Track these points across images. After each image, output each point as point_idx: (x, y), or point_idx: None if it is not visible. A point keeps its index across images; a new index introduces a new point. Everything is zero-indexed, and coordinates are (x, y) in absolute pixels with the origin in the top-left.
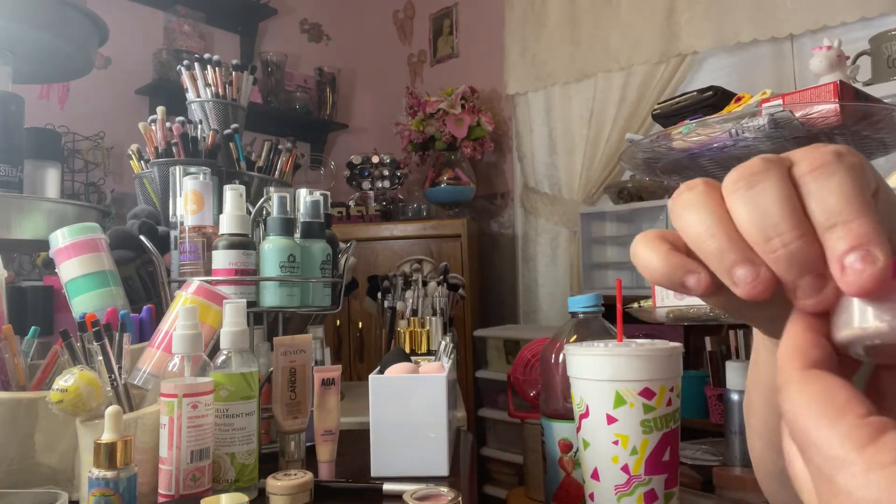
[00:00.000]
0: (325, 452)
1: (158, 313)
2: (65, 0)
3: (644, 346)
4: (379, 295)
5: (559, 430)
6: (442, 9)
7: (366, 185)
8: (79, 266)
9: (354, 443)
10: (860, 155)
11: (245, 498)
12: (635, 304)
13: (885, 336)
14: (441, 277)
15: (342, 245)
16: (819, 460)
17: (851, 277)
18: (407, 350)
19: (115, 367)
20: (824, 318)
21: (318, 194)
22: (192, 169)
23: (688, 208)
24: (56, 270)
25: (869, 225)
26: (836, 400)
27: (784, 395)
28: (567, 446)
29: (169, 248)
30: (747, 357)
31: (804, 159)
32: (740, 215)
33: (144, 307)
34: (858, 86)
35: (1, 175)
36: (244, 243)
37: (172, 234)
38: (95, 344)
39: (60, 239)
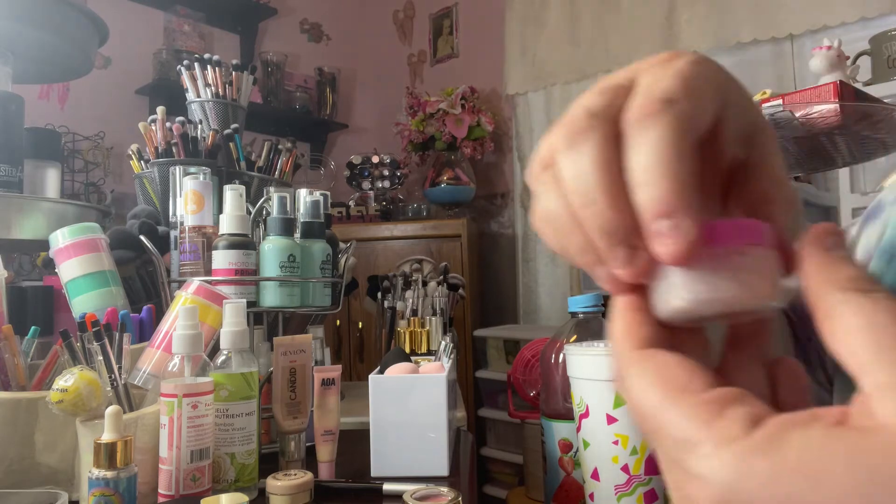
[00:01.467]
0: (325, 452)
1: (158, 313)
2: (65, 0)
3: None
4: (379, 295)
5: (559, 430)
6: (442, 9)
7: (366, 185)
8: (79, 266)
9: (354, 443)
10: (701, 95)
11: (245, 498)
12: None
13: (697, 310)
14: (441, 277)
15: (342, 245)
16: (667, 446)
17: (659, 247)
18: (407, 350)
19: (115, 367)
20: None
21: (318, 194)
22: (192, 169)
23: (540, 191)
24: (56, 270)
25: (673, 186)
26: (675, 377)
27: (622, 382)
28: (567, 446)
29: (169, 248)
30: None
31: (634, 104)
32: (564, 184)
33: (144, 307)
34: (858, 86)
35: (1, 175)
36: (244, 243)
37: (172, 234)
38: (95, 344)
39: (60, 239)
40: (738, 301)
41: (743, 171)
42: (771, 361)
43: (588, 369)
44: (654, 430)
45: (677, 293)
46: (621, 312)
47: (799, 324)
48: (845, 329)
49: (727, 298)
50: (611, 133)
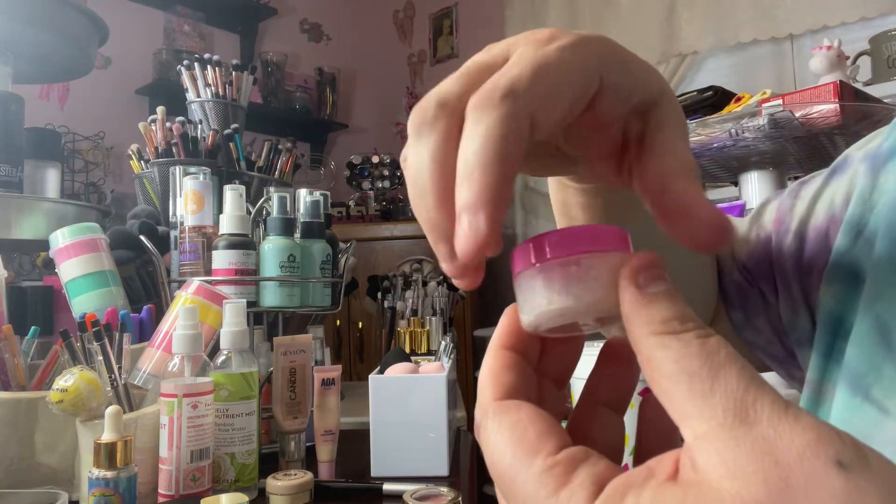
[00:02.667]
0: (325, 452)
1: (158, 313)
2: (65, 0)
3: None
4: (379, 295)
5: None
6: (442, 9)
7: (366, 185)
8: (79, 266)
9: (354, 443)
10: (556, 86)
11: (245, 498)
12: None
13: (543, 323)
14: (441, 277)
15: (342, 245)
16: None
17: (455, 244)
18: (407, 350)
19: (115, 367)
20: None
21: (318, 194)
22: (192, 169)
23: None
24: (56, 270)
25: (482, 185)
26: (527, 437)
27: (482, 432)
28: None
29: (169, 248)
30: None
31: (478, 92)
32: (407, 174)
33: (144, 307)
34: (858, 86)
35: (1, 175)
36: (244, 243)
37: (172, 234)
38: (95, 344)
39: (60, 239)
40: (573, 312)
41: (640, 145)
42: (642, 401)
43: (587, 369)
44: (507, 490)
45: (522, 307)
46: (492, 353)
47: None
48: (662, 376)
49: (562, 309)
50: (455, 126)
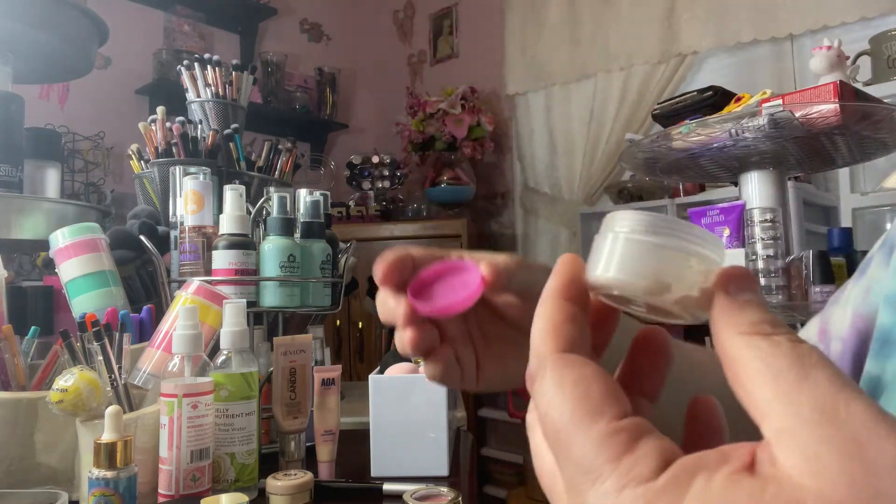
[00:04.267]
0: (325, 452)
1: (158, 313)
2: (65, 0)
3: None
4: None
5: None
6: (442, 9)
7: (366, 185)
8: (79, 266)
9: (354, 443)
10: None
11: (245, 498)
12: None
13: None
14: None
15: (342, 245)
16: (571, 468)
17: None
18: None
19: (115, 367)
20: (579, 280)
21: (318, 194)
22: (192, 169)
23: None
24: (56, 270)
25: None
26: (592, 396)
27: (539, 384)
28: None
29: (169, 248)
30: None
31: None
32: None
33: (144, 307)
34: (858, 86)
35: (1, 175)
36: (244, 243)
37: (172, 234)
38: (95, 344)
39: (60, 239)
40: (657, 290)
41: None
42: (691, 400)
43: None
44: (561, 448)
45: (606, 263)
46: (552, 304)
47: None
48: (746, 374)
49: (650, 286)
50: None
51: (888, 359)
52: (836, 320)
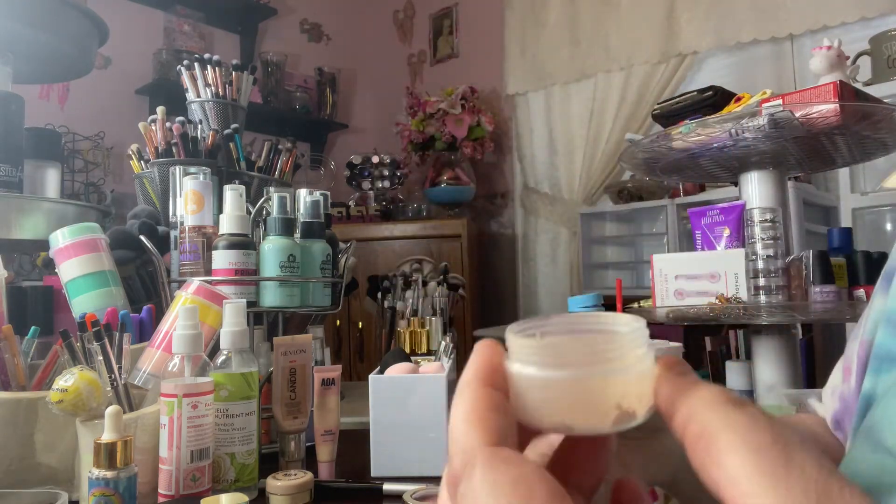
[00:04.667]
0: (325, 452)
1: (158, 313)
2: (65, 0)
3: None
4: (379, 295)
5: None
6: (442, 9)
7: (366, 185)
8: (79, 266)
9: (354, 443)
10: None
11: (245, 498)
12: (635, 304)
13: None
14: (441, 277)
15: (342, 245)
16: None
17: None
18: (407, 350)
19: (115, 367)
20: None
21: (318, 194)
22: (192, 169)
23: None
24: (56, 270)
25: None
26: (536, 499)
27: (466, 485)
28: None
29: (169, 248)
30: (747, 357)
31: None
32: None
33: (144, 307)
34: (858, 86)
35: (1, 175)
36: (244, 243)
37: (172, 234)
38: (95, 344)
39: (60, 239)
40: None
41: None
42: (615, 484)
43: None
44: None
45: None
46: (471, 387)
47: None
48: (719, 447)
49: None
50: None
51: (881, 374)
52: (854, 356)
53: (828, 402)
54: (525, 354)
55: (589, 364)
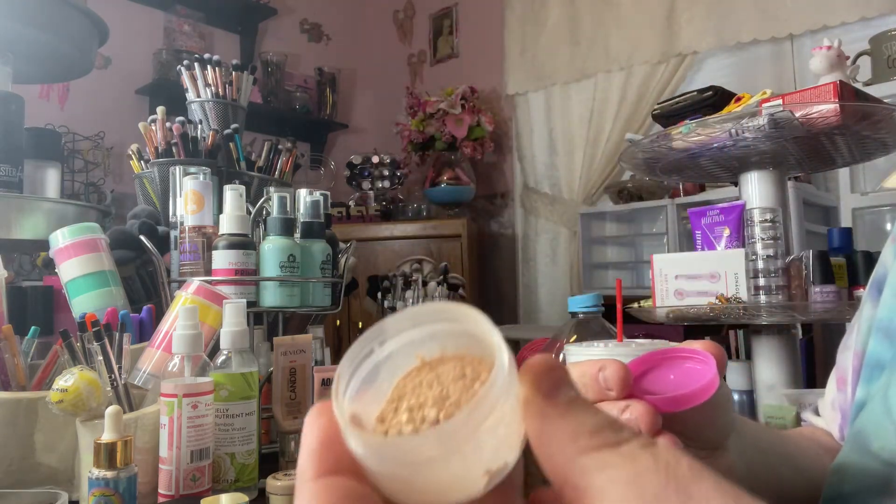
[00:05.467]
0: None
1: (158, 313)
2: (65, 0)
3: (644, 346)
4: (379, 295)
5: None
6: (442, 9)
7: (366, 185)
8: (79, 266)
9: None
10: None
11: (245, 498)
12: (635, 304)
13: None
14: (441, 277)
15: (342, 245)
16: None
17: None
18: None
19: (115, 367)
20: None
21: (318, 194)
22: (192, 169)
23: None
24: (56, 270)
25: None
26: None
27: None
28: None
29: (169, 248)
30: (747, 357)
31: None
32: None
33: (144, 307)
34: (858, 86)
35: (1, 175)
36: (244, 243)
37: (172, 234)
38: (95, 344)
39: (60, 239)
40: None
41: None
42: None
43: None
44: None
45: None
46: (309, 475)
47: None
48: None
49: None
50: None
51: (872, 382)
52: (849, 366)
53: (829, 414)
54: (360, 451)
55: (437, 459)
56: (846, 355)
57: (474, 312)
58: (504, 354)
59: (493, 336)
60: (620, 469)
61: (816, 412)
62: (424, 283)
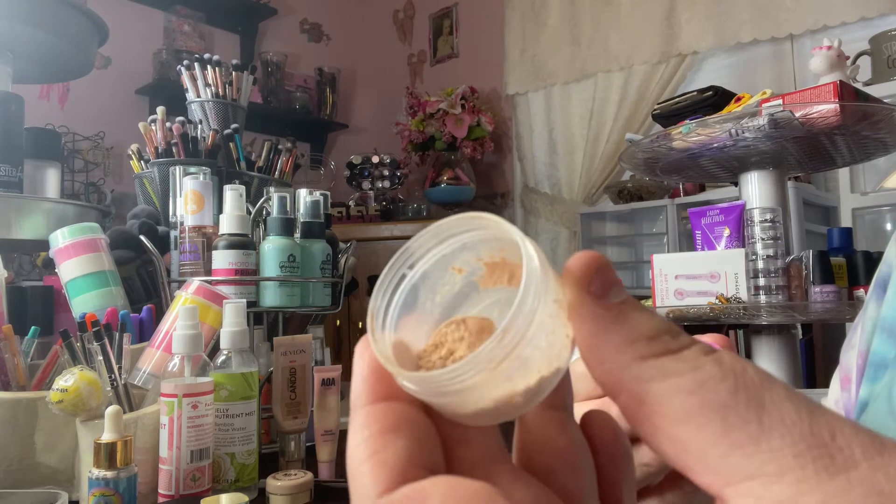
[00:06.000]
0: (325, 452)
1: (158, 313)
2: (65, 0)
3: None
4: None
5: None
6: (442, 9)
7: (366, 185)
8: (79, 266)
9: None
10: None
11: (245, 498)
12: None
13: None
14: None
15: (342, 245)
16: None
17: None
18: None
19: (115, 367)
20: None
21: (318, 194)
22: (192, 169)
23: None
24: (56, 270)
25: None
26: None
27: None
28: None
29: (169, 248)
30: (748, 357)
31: None
32: None
33: (144, 307)
34: (858, 86)
35: (1, 175)
36: (244, 243)
37: (172, 234)
38: (95, 344)
39: (60, 239)
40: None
41: None
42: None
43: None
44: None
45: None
46: (359, 412)
47: None
48: (670, 419)
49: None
50: None
51: (876, 381)
52: (853, 366)
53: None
54: (404, 385)
55: (479, 384)
56: (850, 355)
57: (498, 218)
58: (533, 261)
59: (519, 239)
60: (683, 377)
61: None
62: None
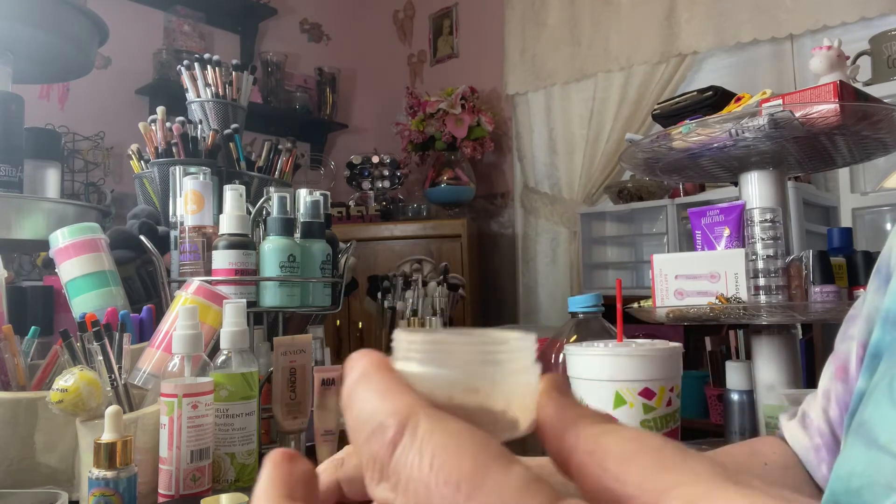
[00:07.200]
0: (325, 452)
1: (158, 313)
2: (65, 0)
3: (644, 346)
4: (379, 295)
5: None
6: (442, 9)
7: (366, 185)
8: (79, 266)
9: None
10: None
11: (245, 498)
12: (635, 304)
13: None
14: (441, 277)
15: (342, 245)
16: None
17: None
18: None
19: (115, 367)
20: None
21: (318, 194)
22: (192, 169)
23: None
24: (56, 270)
25: None
26: (493, 445)
27: (411, 439)
28: None
29: (169, 248)
30: (747, 357)
31: None
32: None
33: (144, 307)
34: (858, 86)
35: (1, 175)
36: (244, 243)
37: (172, 234)
38: (95, 344)
39: (60, 239)
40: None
41: None
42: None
43: (588, 369)
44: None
45: None
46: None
47: None
48: (614, 459)
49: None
50: None
51: (874, 372)
52: (851, 356)
53: (821, 422)
54: (410, 350)
55: (477, 364)
56: (848, 345)
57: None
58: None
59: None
60: (624, 431)
61: (792, 416)
62: (424, 283)
